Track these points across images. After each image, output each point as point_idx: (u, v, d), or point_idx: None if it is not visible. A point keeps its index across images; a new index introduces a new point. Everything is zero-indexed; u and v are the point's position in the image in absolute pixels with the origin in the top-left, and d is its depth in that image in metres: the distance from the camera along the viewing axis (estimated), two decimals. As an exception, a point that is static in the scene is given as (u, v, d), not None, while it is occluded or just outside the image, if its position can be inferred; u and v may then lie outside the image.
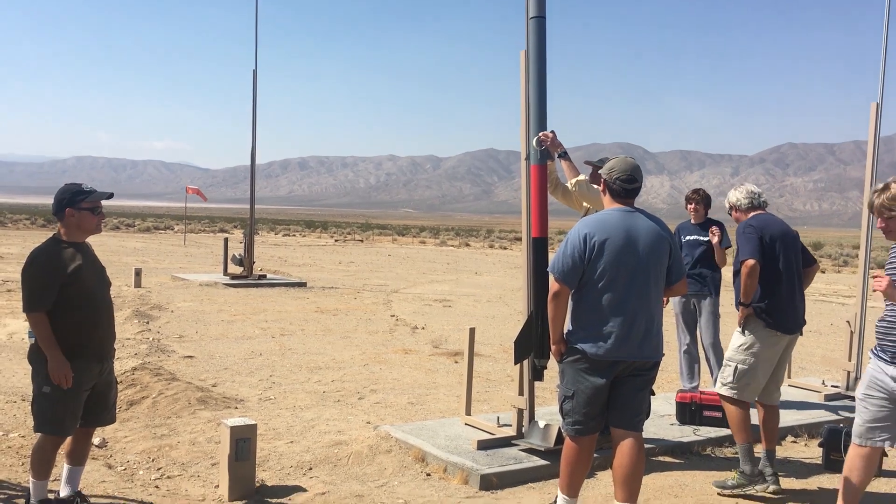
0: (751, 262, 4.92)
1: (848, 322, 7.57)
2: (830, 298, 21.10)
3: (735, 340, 5.10)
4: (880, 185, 3.99)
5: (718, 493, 4.91)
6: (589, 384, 3.99)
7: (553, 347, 4.16)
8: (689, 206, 7.14)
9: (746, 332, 5.04)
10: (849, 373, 7.43)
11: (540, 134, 5.20)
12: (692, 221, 7.13)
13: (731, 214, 5.43)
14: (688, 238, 7.06)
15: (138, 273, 15.98)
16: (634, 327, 3.94)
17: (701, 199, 7.12)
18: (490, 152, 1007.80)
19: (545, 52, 5.33)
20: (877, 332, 3.99)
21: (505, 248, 48.06)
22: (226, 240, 19.24)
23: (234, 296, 15.07)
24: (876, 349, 4.00)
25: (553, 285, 4.04)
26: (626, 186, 4.10)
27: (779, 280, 5.03)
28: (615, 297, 3.95)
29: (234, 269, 17.96)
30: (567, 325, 4.12)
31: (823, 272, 34.90)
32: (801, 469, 5.57)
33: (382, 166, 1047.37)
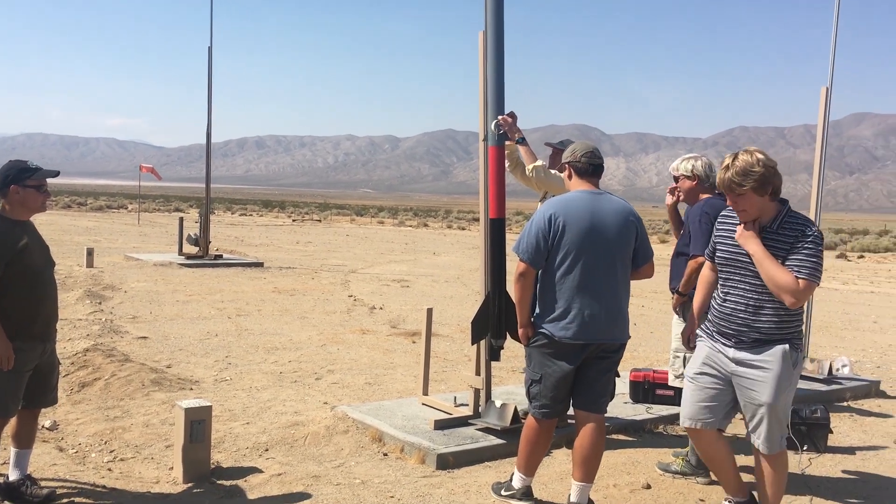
0: (701, 258, 4.69)
1: (796, 302, 7.72)
2: (781, 279, 21.55)
3: (676, 329, 5.08)
4: (729, 158, 3.65)
5: (660, 475, 4.97)
6: (556, 368, 4.01)
7: (520, 331, 4.15)
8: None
9: (686, 318, 5.03)
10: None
11: (499, 118, 5.18)
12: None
13: (677, 181, 5.14)
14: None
15: (90, 253, 15.66)
16: (601, 310, 3.93)
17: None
18: (449, 133, 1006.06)
19: (503, 34, 5.31)
20: (715, 314, 3.83)
21: (463, 229, 48.16)
22: (181, 219, 18.94)
23: (189, 276, 14.87)
24: (709, 329, 3.88)
25: (518, 266, 4.03)
26: (593, 162, 4.13)
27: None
28: (581, 280, 3.94)
29: (190, 248, 17.70)
30: (533, 309, 4.13)
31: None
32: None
33: (341, 146, 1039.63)
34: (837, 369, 7.56)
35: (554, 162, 6.07)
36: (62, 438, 5.26)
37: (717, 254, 3.85)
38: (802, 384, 7.23)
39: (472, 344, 5.41)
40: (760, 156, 3.58)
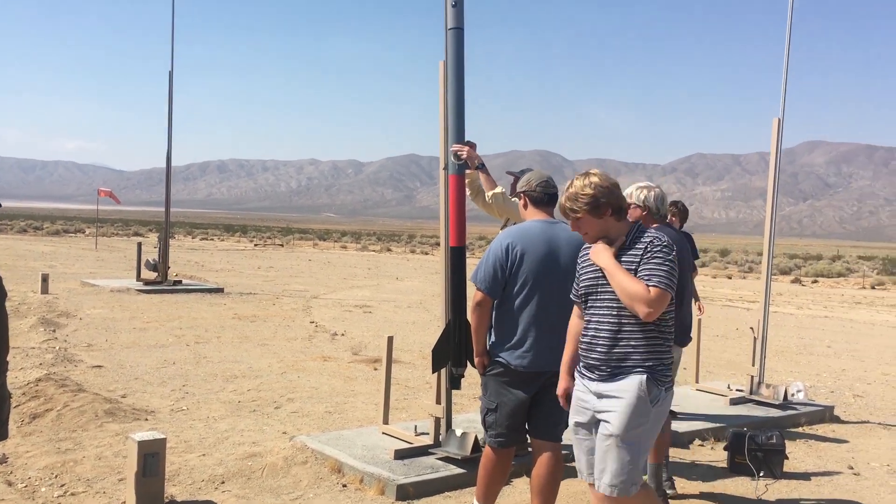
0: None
1: (752, 328, 7.86)
2: (736, 303, 21.88)
3: None
4: (568, 183, 3.57)
5: None
6: (512, 397, 4.02)
7: (476, 360, 4.17)
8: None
9: None
10: (752, 377, 7.71)
11: (455, 147, 5.22)
12: None
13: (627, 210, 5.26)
14: None
15: (45, 278, 15.36)
16: (557, 338, 3.93)
17: (679, 211, 6.78)
18: (412, 157, 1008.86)
19: (463, 63, 5.38)
20: (581, 347, 3.55)
21: (426, 254, 48.20)
22: (139, 244, 18.67)
23: (147, 302, 14.65)
24: (579, 367, 3.57)
25: (476, 295, 4.06)
26: (548, 191, 4.18)
27: (678, 297, 5.05)
28: (537, 308, 3.98)
29: (148, 274, 17.44)
30: (490, 338, 4.14)
31: (730, 278, 36.18)
32: (708, 472, 5.76)
33: (304, 170, 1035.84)
34: (793, 394, 7.68)
35: (514, 189, 6.12)
36: (11, 472, 5.12)
37: (580, 288, 3.58)
38: (758, 410, 7.35)
39: (433, 372, 5.40)
40: (594, 178, 3.51)
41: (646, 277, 3.31)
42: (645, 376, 3.32)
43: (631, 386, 3.32)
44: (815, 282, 35.33)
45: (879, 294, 28.91)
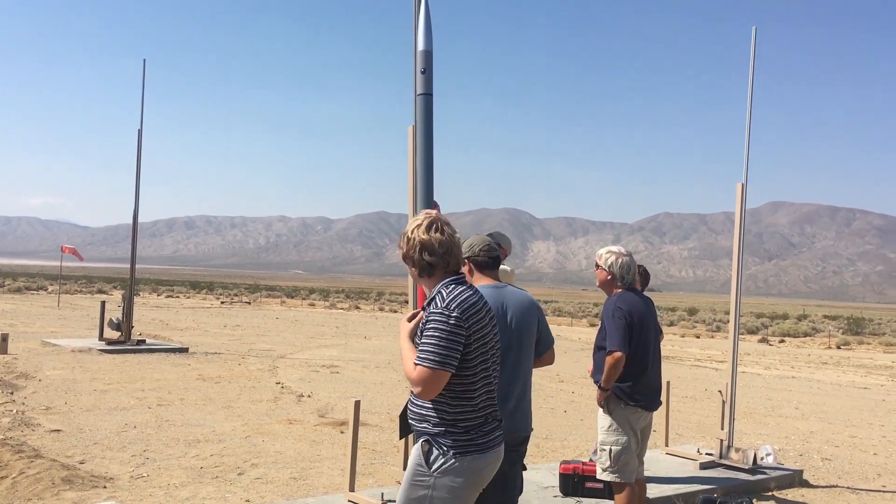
0: (619, 354, 4.86)
1: (720, 392, 7.87)
2: (704, 363, 21.98)
3: (602, 422, 5.13)
4: None
5: None
6: None
7: None
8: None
9: (612, 412, 5.10)
10: (722, 441, 7.70)
11: (423, 212, 5.23)
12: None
13: (596, 270, 5.26)
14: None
15: (4, 338, 15.01)
16: (506, 401, 3.96)
17: (640, 276, 6.77)
18: (381, 215, 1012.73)
19: (432, 128, 5.43)
20: None
21: (395, 311, 47.99)
22: (103, 303, 18.36)
23: (109, 363, 14.34)
24: None
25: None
26: (491, 255, 4.23)
27: (643, 361, 5.07)
28: (494, 371, 3.98)
29: (111, 333, 17.13)
30: None
31: (698, 337, 36.43)
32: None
33: (273, 227, 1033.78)
34: (762, 458, 7.66)
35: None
36: (-41, 545, 4.91)
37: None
38: (729, 474, 7.31)
39: (400, 438, 5.31)
40: (415, 227, 3.25)
41: (418, 353, 3.01)
42: (423, 440, 3.10)
43: (414, 452, 3.14)
44: (782, 341, 35.66)
45: (845, 354, 29.23)
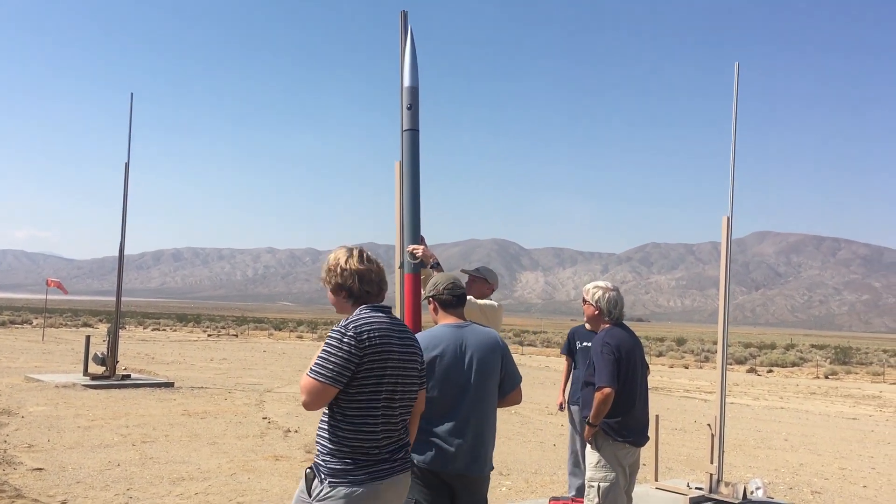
0: (607, 390, 4.85)
1: (709, 425, 7.85)
2: (693, 394, 21.94)
3: (590, 458, 5.09)
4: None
5: None
6: (425, 495, 3.99)
7: None
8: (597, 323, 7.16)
9: (600, 448, 5.06)
10: (711, 475, 7.66)
11: (410, 247, 5.24)
12: (587, 327, 7.16)
13: (583, 305, 5.31)
14: (584, 344, 7.20)
15: (-14, 374, 14.82)
16: (465, 440, 3.98)
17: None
18: (370, 245, 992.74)
19: (419, 163, 5.44)
20: None
21: (383, 344, 47.67)
22: (87, 337, 18.19)
23: (93, 398, 14.17)
24: None
25: None
26: (455, 293, 4.23)
27: (631, 397, 5.04)
28: (447, 411, 4.00)
29: (96, 368, 16.95)
30: None
31: (687, 368, 36.40)
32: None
33: (261, 258, 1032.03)
34: (752, 492, 7.62)
35: (469, 288, 6.14)
36: (-64, 590, 4.80)
37: None
38: (718, 508, 7.26)
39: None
40: (348, 258, 3.37)
41: (311, 365, 3.15)
42: (308, 467, 3.17)
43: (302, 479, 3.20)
44: (771, 371, 35.71)
45: (833, 384, 29.27)
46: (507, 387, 4.20)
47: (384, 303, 3.38)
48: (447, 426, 3.98)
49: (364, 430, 3.08)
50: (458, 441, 3.96)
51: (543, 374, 26.97)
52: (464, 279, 5.79)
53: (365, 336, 3.09)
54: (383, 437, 3.13)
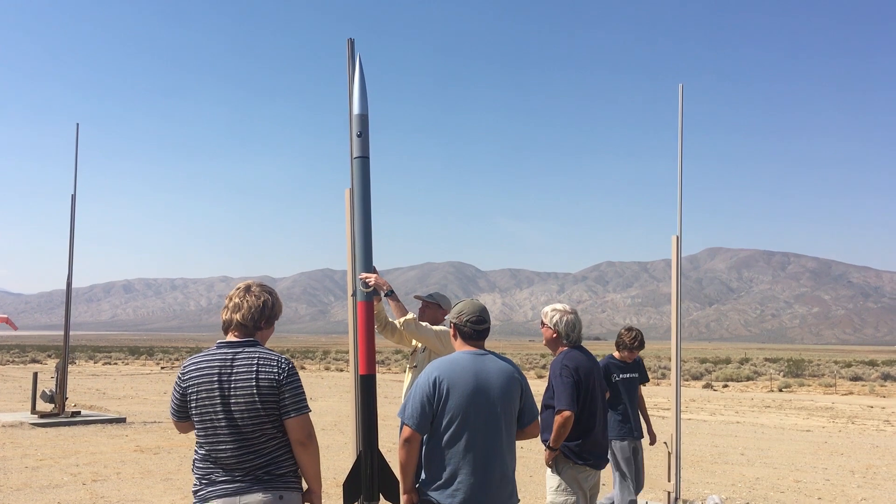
0: (567, 413, 4.83)
1: (665, 443, 7.90)
2: (651, 412, 22.10)
3: (550, 482, 5.05)
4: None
5: None
6: None
7: (404, 497, 3.96)
8: (624, 352, 7.11)
9: (560, 471, 5.03)
10: (669, 493, 7.71)
11: (363, 275, 5.18)
12: (625, 360, 7.11)
13: (542, 328, 5.26)
14: (623, 377, 7.03)
15: (-72, 416, 14.31)
16: (487, 474, 3.83)
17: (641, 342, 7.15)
18: (326, 272, 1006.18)
19: (370, 190, 5.40)
20: None
21: (342, 370, 47.37)
22: (35, 374, 17.69)
23: (42, 437, 13.77)
24: None
25: (405, 431, 3.88)
26: (477, 328, 4.08)
27: (591, 420, 5.03)
28: (467, 444, 3.84)
29: (44, 406, 16.48)
30: (421, 475, 3.98)
31: (644, 385, 36.71)
32: None
33: (215, 288, 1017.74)
34: (710, 508, 7.68)
35: (423, 314, 6.12)
36: None
37: None
38: (678, 526, 7.30)
39: (345, 507, 5.17)
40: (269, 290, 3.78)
41: None
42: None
43: None
44: (726, 386, 36.18)
45: (787, 397, 29.76)
46: (527, 419, 4.05)
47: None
48: (471, 459, 3.81)
49: (199, 453, 3.52)
50: (483, 474, 3.81)
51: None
52: (417, 304, 5.77)
53: (185, 369, 3.53)
54: (208, 463, 3.48)
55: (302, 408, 3.52)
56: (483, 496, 3.82)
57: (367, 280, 5.15)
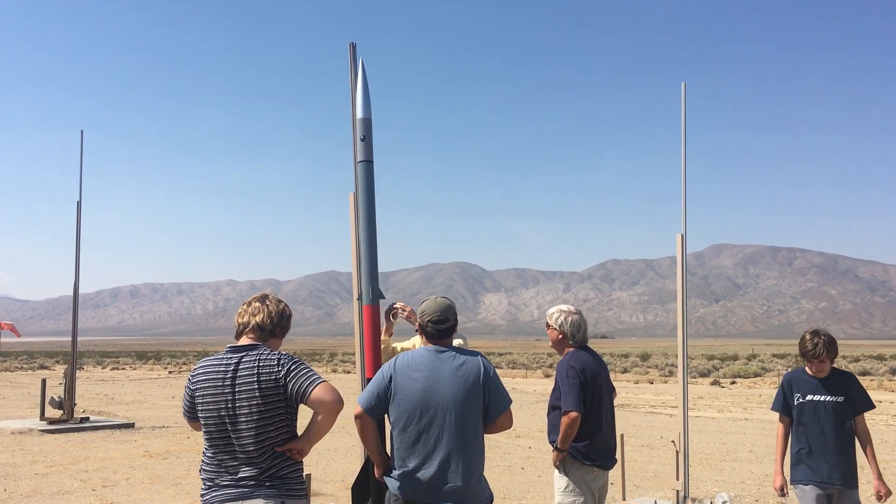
0: (574, 414, 4.79)
1: (673, 442, 7.90)
2: (659, 409, 22.09)
3: (558, 483, 5.03)
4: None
5: None
6: None
7: (376, 472, 4.14)
8: (813, 363, 5.11)
9: (568, 472, 5.02)
10: (678, 492, 7.70)
11: (399, 305, 5.33)
12: (810, 371, 5.18)
13: (547, 329, 5.21)
14: (811, 399, 5.09)
15: (-62, 424, 14.37)
16: (432, 467, 3.90)
17: (826, 348, 5.06)
18: (332, 274, 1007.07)
19: (374, 194, 5.42)
20: None
21: (349, 372, 47.42)
22: (44, 380, 17.76)
23: (51, 444, 13.82)
24: None
25: (356, 408, 4.04)
26: (438, 327, 4.12)
27: (598, 421, 5.00)
28: (416, 436, 3.95)
29: (53, 412, 16.54)
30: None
31: (651, 383, 36.68)
32: None
33: (221, 291, 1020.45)
34: (718, 506, 7.67)
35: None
36: None
37: None
38: (687, 524, 7.29)
39: (354, 510, 5.18)
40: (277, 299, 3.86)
41: None
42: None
43: None
44: (734, 383, 36.12)
45: (793, 392, 29.69)
46: (493, 413, 4.06)
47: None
48: (424, 453, 3.90)
49: (206, 455, 3.51)
50: (431, 470, 3.87)
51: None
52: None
53: (194, 373, 3.59)
54: (219, 466, 3.47)
55: (316, 379, 3.50)
56: (432, 491, 3.90)
57: (403, 309, 5.28)
